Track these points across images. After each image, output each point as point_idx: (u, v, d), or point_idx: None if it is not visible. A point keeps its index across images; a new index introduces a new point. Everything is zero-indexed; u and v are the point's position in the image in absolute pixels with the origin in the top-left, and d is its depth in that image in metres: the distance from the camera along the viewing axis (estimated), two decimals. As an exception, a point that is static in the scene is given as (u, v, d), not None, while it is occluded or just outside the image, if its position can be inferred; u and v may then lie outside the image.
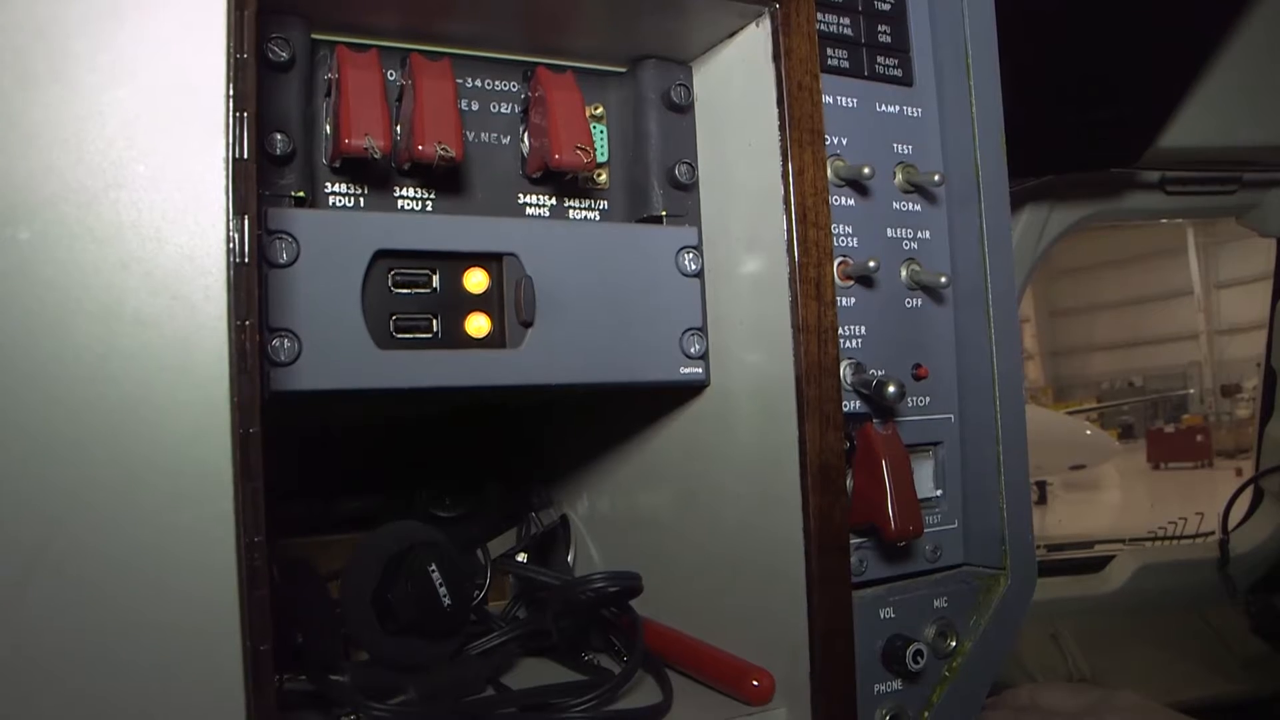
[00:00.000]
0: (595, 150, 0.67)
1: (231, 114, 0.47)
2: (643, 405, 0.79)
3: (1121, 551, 2.16)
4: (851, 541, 0.68)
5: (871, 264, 0.71)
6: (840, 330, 0.67)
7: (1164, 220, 2.16)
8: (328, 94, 0.64)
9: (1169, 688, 1.88)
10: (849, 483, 0.70)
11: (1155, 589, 2.03)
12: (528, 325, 0.65)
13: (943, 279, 0.74)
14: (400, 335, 0.64)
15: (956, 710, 0.73)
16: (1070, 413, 12.08)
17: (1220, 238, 13.82)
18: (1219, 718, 1.86)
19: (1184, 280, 15.12)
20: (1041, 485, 9.22)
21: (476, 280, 0.66)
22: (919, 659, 0.69)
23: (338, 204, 0.64)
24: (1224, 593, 2.05)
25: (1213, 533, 2.33)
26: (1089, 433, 10.39)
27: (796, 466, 0.64)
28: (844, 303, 0.72)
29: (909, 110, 0.78)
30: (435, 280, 0.65)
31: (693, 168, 0.72)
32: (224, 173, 0.47)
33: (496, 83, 0.70)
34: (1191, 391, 15.27)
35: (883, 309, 0.74)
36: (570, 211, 0.71)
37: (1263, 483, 2.15)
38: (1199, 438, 12.20)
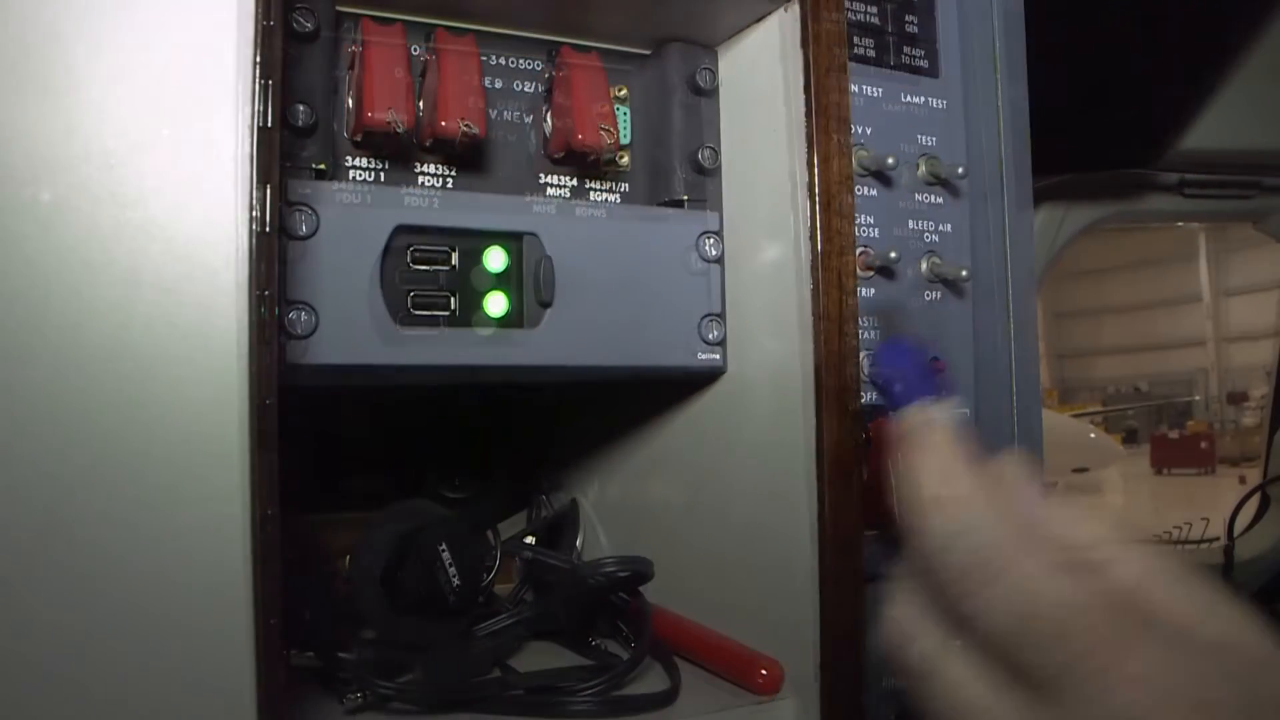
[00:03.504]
0: (618, 132, 0.67)
1: (257, 81, 0.47)
2: (658, 391, 0.78)
3: (1125, 555, 2.15)
4: (864, 535, 0.67)
5: (892, 255, 0.70)
6: (859, 321, 0.66)
7: (1179, 224, 2.15)
8: (351, 66, 0.63)
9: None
10: (863, 475, 0.69)
11: (1158, 593, 2.02)
12: (546, 306, 0.65)
13: (963, 273, 0.74)
14: (418, 312, 0.63)
15: (964, 707, 0.73)
16: (1075, 415, 12.05)
17: (1232, 245, 13.77)
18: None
19: (1193, 286, 15.08)
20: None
21: (496, 259, 0.65)
22: (928, 654, 0.69)
23: (358, 178, 0.64)
24: (1228, 599, 2.04)
25: (1217, 539, 2.32)
26: (1093, 436, 10.35)
27: (812, 457, 0.63)
28: (863, 293, 0.71)
29: (934, 102, 0.77)
30: (454, 258, 0.65)
31: (715, 152, 0.72)
32: (249, 140, 0.46)
33: (520, 61, 0.69)
34: (1197, 398, 15.24)
35: (901, 301, 0.73)
36: (591, 193, 0.71)
37: (1270, 490, 2.14)
38: (1203, 444, 12.17)
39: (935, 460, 0.42)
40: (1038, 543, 0.37)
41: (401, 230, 0.62)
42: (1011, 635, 0.36)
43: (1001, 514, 0.39)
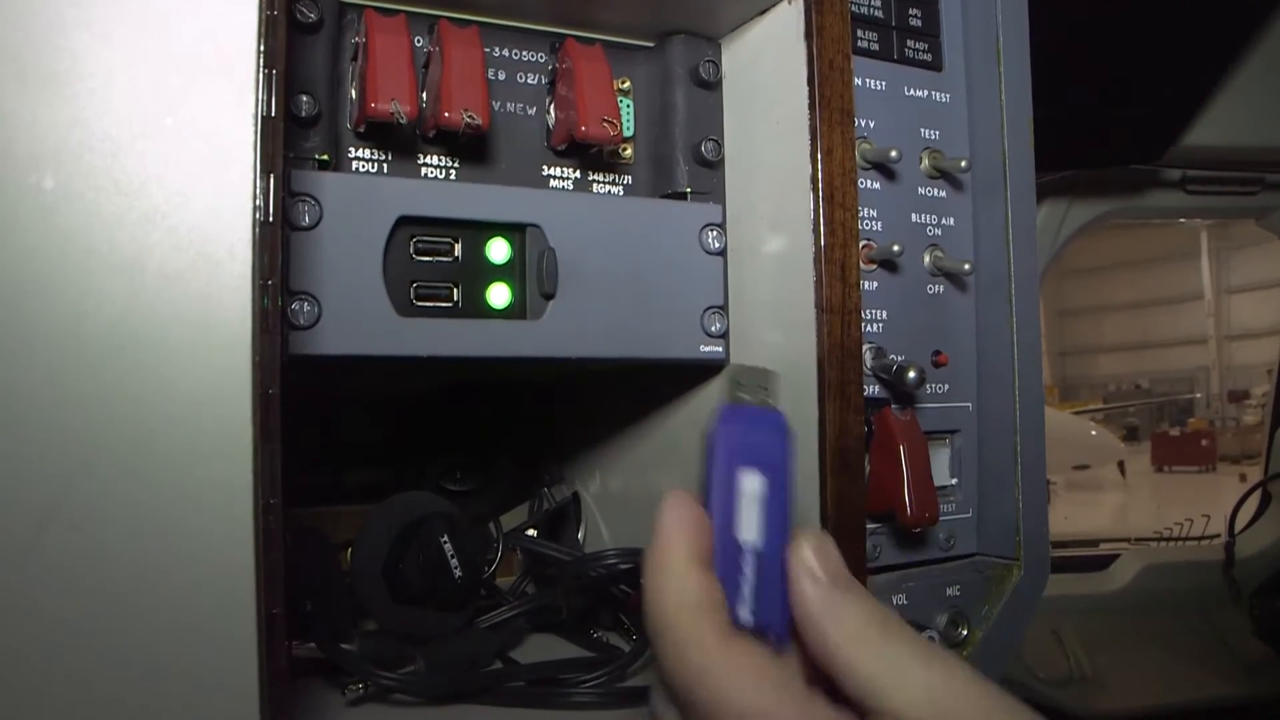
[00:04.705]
0: (621, 124, 0.67)
1: (261, 71, 0.47)
2: (659, 384, 0.78)
3: (1126, 551, 2.15)
4: (866, 526, 0.67)
5: (895, 248, 0.70)
6: (862, 314, 0.66)
7: (1181, 220, 2.15)
8: (354, 58, 0.63)
9: (1170, 689, 1.87)
10: (865, 467, 0.69)
11: (1159, 589, 2.02)
12: (549, 297, 0.65)
13: (966, 266, 0.74)
14: (421, 303, 0.63)
15: (965, 700, 0.73)
16: (1076, 413, 12.04)
17: (1235, 242, 13.75)
18: (1220, 721, 1.86)
19: (1195, 284, 15.06)
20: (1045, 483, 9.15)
21: (499, 250, 0.65)
22: (930, 647, 0.69)
23: (361, 169, 0.63)
24: (1228, 595, 2.04)
25: (1218, 536, 2.32)
26: (1094, 433, 10.36)
27: (815, 449, 0.63)
28: (866, 287, 0.71)
29: (937, 95, 0.77)
30: (457, 249, 0.65)
31: (719, 145, 0.72)
32: (252, 129, 0.46)
33: (524, 53, 0.69)
34: (1198, 396, 15.23)
35: (905, 294, 0.74)
36: (594, 185, 0.71)
37: (1271, 486, 2.14)
38: (1204, 442, 12.16)
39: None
40: None
41: (405, 221, 0.62)
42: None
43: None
